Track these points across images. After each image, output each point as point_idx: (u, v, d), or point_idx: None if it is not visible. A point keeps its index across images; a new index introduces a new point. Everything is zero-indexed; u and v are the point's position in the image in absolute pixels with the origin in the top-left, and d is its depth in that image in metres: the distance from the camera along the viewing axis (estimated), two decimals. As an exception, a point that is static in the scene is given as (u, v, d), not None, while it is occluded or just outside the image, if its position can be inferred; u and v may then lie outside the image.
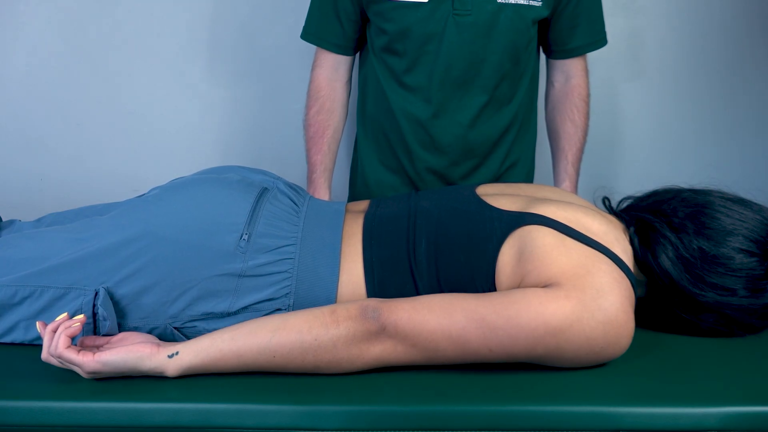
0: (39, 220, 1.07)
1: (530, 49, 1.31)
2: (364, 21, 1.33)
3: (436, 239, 0.93)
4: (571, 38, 1.34)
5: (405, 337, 0.82)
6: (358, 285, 0.93)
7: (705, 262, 0.91)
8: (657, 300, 0.96)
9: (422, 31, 1.24)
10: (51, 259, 0.90)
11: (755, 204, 0.96)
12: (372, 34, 1.33)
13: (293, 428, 0.79)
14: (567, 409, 0.79)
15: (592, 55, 1.40)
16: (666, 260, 0.92)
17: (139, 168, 1.69)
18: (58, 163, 1.69)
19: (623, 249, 0.92)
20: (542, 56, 1.42)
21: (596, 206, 1.04)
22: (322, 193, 1.39)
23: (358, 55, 1.42)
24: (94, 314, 0.88)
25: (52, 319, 0.89)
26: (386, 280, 0.92)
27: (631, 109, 1.71)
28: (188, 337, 0.91)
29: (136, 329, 0.90)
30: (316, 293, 0.92)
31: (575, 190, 1.41)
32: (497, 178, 1.37)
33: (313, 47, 1.38)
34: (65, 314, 0.83)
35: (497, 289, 0.89)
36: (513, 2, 1.23)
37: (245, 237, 0.91)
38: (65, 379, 0.84)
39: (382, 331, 0.82)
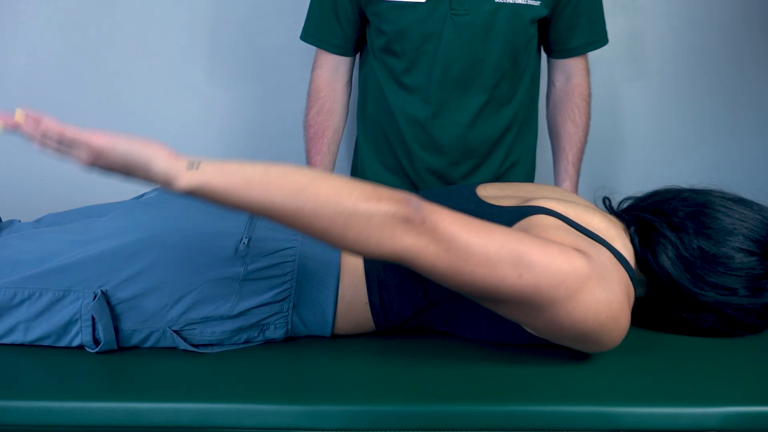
0: (38, 220, 1.07)
1: (530, 49, 1.31)
2: (363, 22, 1.33)
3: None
4: (572, 37, 1.34)
5: (441, 239, 0.76)
6: (359, 286, 0.93)
7: (705, 262, 0.91)
8: (657, 300, 0.96)
9: (420, 32, 1.24)
10: (50, 261, 0.90)
11: (755, 204, 0.96)
12: (371, 34, 1.33)
13: (293, 428, 0.79)
14: (567, 409, 0.79)
15: (592, 55, 1.40)
16: (666, 260, 0.92)
17: (139, 168, 1.69)
18: (58, 163, 1.67)
19: (623, 245, 0.92)
20: (543, 56, 1.42)
21: (597, 206, 1.04)
22: None
23: (358, 55, 1.42)
24: (93, 317, 0.88)
25: (52, 321, 0.89)
26: (387, 281, 0.92)
27: (632, 109, 1.71)
28: (188, 340, 0.90)
29: (135, 332, 0.90)
30: (317, 295, 0.92)
31: (576, 189, 1.41)
32: (497, 178, 1.37)
33: (313, 47, 1.38)
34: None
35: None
36: (511, 2, 1.23)
37: (245, 241, 0.91)
38: (65, 379, 0.84)
39: (421, 224, 0.75)
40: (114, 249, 0.90)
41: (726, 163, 1.72)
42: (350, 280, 0.93)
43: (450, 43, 1.24)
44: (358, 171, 1.44)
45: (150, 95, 1.67)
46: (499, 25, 1.24)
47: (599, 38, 1.36)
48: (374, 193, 0.75)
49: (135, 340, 0.91)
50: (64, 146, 0.76)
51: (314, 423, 0.79)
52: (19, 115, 0.75)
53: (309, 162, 1.40)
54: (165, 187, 0.74)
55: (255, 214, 0.76)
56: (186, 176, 0.73)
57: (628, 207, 1.02)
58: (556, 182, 1.42)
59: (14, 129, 0.76)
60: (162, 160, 0.74)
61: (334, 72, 1.37)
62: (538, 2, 1.25)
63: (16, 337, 0.91)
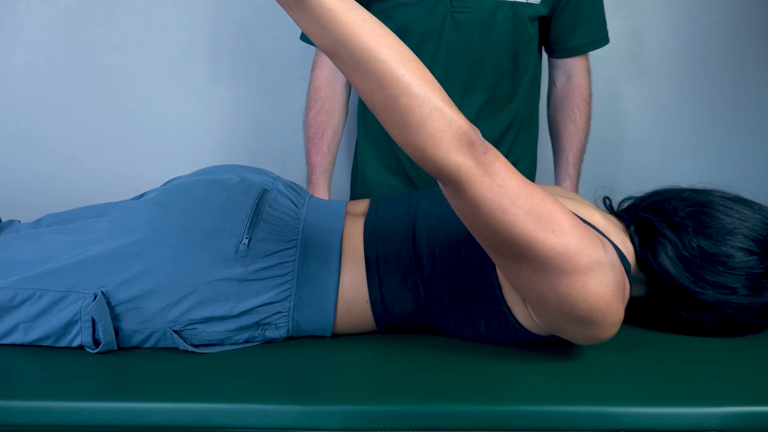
0: (38, 221, 1.07)
1: (530, 48, 1.31)
2: None
3: (437, 235, 0.93)
4: (572, 37, 1.34)
5: (497, 174, 0.75)
6: (360, 286, 0.93)
7: (705, 261, 0.91)
8: (657, 299, 0.96)
9: (421, 29, 1.24)
10: (50, 262, 0.90)
11: (755, 203, 0.96)
12: (372, 33, 1.33)
13: (293, 428, 0.79)
14: (567, 409, 0.79)
15: (592, 55, 1.40)
16: (666, 259, 0.92)
17: (139, 168, 1.69)
18: (58, 164, 1.69)
19: (622, 243, 0.92)
20: (545, 57, 1.42)
21: (597, 206, 1.04)
22: (322, 194, 1.39)
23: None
24: (93, 318, 0.88)
25: (52, 321, 0.89)
26: (388, 277, 0.92)
27: (632, 109, 1.71)
28: (188, 340, 0.90)
29: (135, 333, 0.90)
30: (317, 295, 0.92)
31: (576, 189, 1.41)
32: (497, 178, 1.37)
33: (312, 48, 1.38)
34: None
35: (498, 281, 0.88)
36: (511, 0, 1.23)
37: (245, 241, 0.91)
38: (65, 378, 0.84)
39: (484, 153, 0.74)
40: (114, 250, 0.90)
41: (726, 163, 1.72)
42: (350, 278, 0.93)
43: (450, 41, 1.24)
44: (358, 171, 1.44)
45: (150, 95, 1.67)
46: (500, 23, 1.24)
47: (600, 38, 1.37)
48: (455, 106, 0.73)
49: (135, 341, 0.91)
50: None
51: (314, 423, 0.79)
52: None
53: (309, 162, 1.40)
54: None
55: (346, 58, 0.70)
56: None
57: (628, 207, 1.02)
58: (557, 182, 1.42)
59: None
60: None
61: (333, 72, 1.37)
62: (538, 0, 1.25)
63: (16, 338, 0.91)
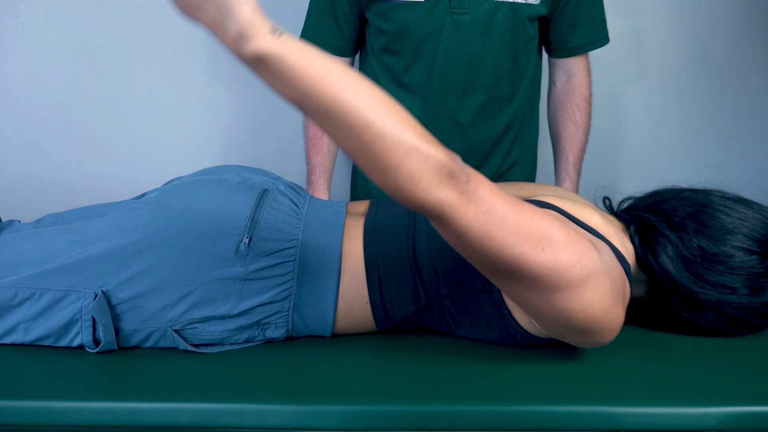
0: (38, 220, 1.07)
1: (530, 49, 1.31)
2: (362, 22, 1.34)
3: (437, 236, 0.93)
4: (572, 37, 1.34)
5: (481, 201, 0.75)
6: (360, 286, 0.93)
7: (705, 261, 0.91)
8: (657, 299, 0.96)
9: (420, 30, 1.24)
10: (51, 261, 0.90)
11: (755, 203, 0.96)
12: (371, 34, 1.33)
13: (293, 428, 0.79)
14: (567, 409, 0.79)
15: (593, 55, 1.40)
16: (666, 259, 0.92)
17: (140, 168, 1.69)
18: (58, 164, 1.69)
19: (622, 244, 0.92)
20: (545, 56, 1.42)
21: (597, 206, 1.04)
22: (321, 194, 1.39)
23: (357, 57, 1.42)
24: (93, 317, 0.88)
25: (52, 321, 0.89)
26: (387, 278, 0.92)
27: (632, 109, 1.71)
28: (188, 339, 0.91)
29: (135, 332, 0.90)
30: (318, 295, 0.92)
31: (576, 190, 1.41)
32: (498, 178, 1.37)
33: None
34: None
35: None
36: (510, 0, 1.23)
37: (246, 241, 0.91)
38: (65, 379, 0.84)
39: (465, 182, 0.73)
40: (114, 249, 0.90)
41: (726, 163, 1.72)
42: (351, 278, 0.93)
43: (449, 42, 1.24)
44: (358, 172, 1.44)
45: (150, 95, 1.67)
46: (499, 23, 1.24)
47: (600, 37, 1.36)
48: (432, 138, 0.72)
49: (135, 340, 0.91)
50: None
51: (314, 423, 0.79)
52: None
53: (309, 162, 1.40)
54: (234, 45, 0.65)
55: (314, 111, 0.69)
56: (266, 39, 0.65)
57: (628, 207, 1.02)
58: (557, 182, 1.42)
59: None
60: (248, 9, 0.65)
61: None
62: (538, 1, 1.25)
63: (17, 337, 0.91)
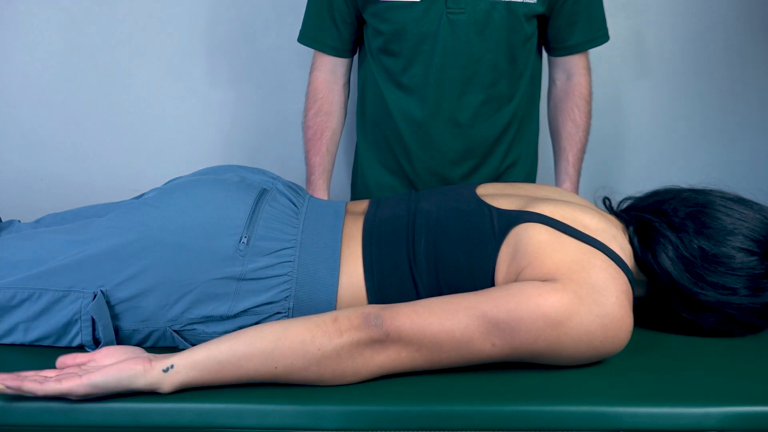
0: (38, 220, 1.07)
1: (528, 47, 1.31)
2: (360, 23, 1.34)
3: (436, 239, 0.93)
4: (571, 35, 1.34)
5: (409, 342, 0.81)
6: (358, 287, 0.93)
7: (705, 262, 0.91)
8: (657, 299, 0.96)
9: (417, 31, 1.24)
10: (50, 262, 0.90)
11: (755, 203, 0.96)
12: (368, 35, 1.33)
13: (293, 428, 0.79)
14: (567, 409, 0.79)
15: (593, 55, 1.40)
16: (666, 260, 0.92)
17: (139, 168, 1.69)
18: (58, 164, 1.69)
19: (620, 246, 0.92)
20: (545, 55, 1.42)
21: (597, 206, 1.04)
22: (321, 194, 1.39)
23: (356, 57, 1.42)
24: (93, 317, 0.88)
25: (52, 321, 0.89)
26: (386, 281, 0.92)
27: (632, 109, 1.71)
28: (188, 340, 0.91)
29: (135, 332, 0.90)
30: (316, 296, 0.92)
31: (576, 190, 1.40)
32: (497, 178, 1.37)
33: (312, 49, 1.39)
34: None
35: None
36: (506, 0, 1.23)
37: (244, 240, 0.91)
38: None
39: (386, 338, 0.81)
40: (113, 248, 0.90)
41: (726, 163, 1.72)
42: (349, 279, 0.93)
43: (446, 41, 1.24)
44: (358, 173, 1.44)
45: (150, 95, 1.66)
46: (495, 23, 1.24)
47: (599, 35, 1.36)
48: (335, 328, 0.80)
49: (135, 340, 0.91)
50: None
51: (314, 423, 0.79)
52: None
53: (308, 163, 1.40)
54: (155, 389, 0.79)
55: (245, 376, 0.81)
56: (166, 381, 0.79)
57: (628, 207, 1.02)
58: (557, 182, 1.42)
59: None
60: (140, 376, 0.78)
61: (332, 74, 1.38)
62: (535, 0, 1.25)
63: (16, 338, 0.91)
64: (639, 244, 0.94)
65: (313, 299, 0.92)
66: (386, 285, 0.92)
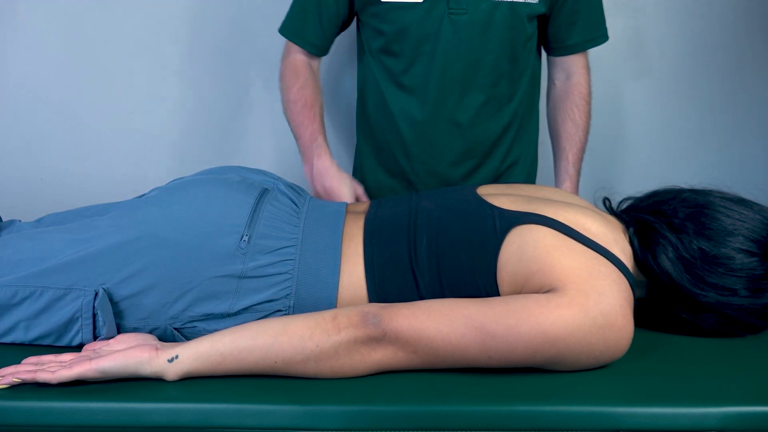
0: (39, 220, 1.07)
1: (529, 48, 1.31)
2: (345, 24, 1.33)
3: (437, 238, 0.93)
4: (571, 34, 1.34)
5: (406, 344, 0.82)
6: (359, 286, 0.93)
7: (705, 263, 0.91)
8: (657, 300, 0.96)
9: (419, 31, 1.24)
10: (51, 260, 0.90)
11: (755, 204, 0.96)
12: (368, 36, 1.32)
13: (293, 428, 0.79)
14: (567, 409, 0.79)
15: (593, 55, 1.40)
16: (666, 261, 0.92)
17: (139, 168, 1.69)
18: (58, 164, 1.69)
19: (622, 249, 0.92)
20: (545, 55, 1.42)
21: (596, 207, 1.04)
22: (326, 159, 1.28)
23: (356, 58, 1.42)
24: (94, 315, 0.88)
25: (52, 319, 0.89)
26: (387, 280, 0.92)
27: (632, 109, 1.71)
28: (188, 338, 0.91)
29: (136, 330, 0.90)
30: (317, 294, 0.92)
31: (576, 190, 1.40)
32: (497, 178, 1.37)
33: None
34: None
35: (499, 287, 0.89)
36: (508, 0, 1.23)
37: (245, 238, 0.91)
38: (65, 379, 0.84)
39: (383, 338, 0.82)
40: (114, 247, 0.90)
41: (726, 163, 1.72)
42: (350, 278, 0.93)
43: (448, 42, 1.24)
44: (358, 174, 1.44)
45: (150, 95, 1.66)
46: (497, 23, 1.24)
47: (599, 35, 1.36)
48: (333, 325, 0.82)
49: (135, 339, 0.91)
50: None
51: (314, 423, 0.79)
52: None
53: (306, 131, 1.31)
54: (161, 375, 0.82)
55: (244, 368, 0.83)
56: (171, 370, 0.82)
57: (628, 207, 1.02)
58: (557, 182, 1.42)
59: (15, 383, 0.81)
60: (146, 364, 0.81)
61: (308, 55, 1.35)
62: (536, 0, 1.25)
63: (17, 336, 0.91)
64: (639, 245, 0.94)
65: (314, 297, 0.92)
66: (387, 284, 0.92)
